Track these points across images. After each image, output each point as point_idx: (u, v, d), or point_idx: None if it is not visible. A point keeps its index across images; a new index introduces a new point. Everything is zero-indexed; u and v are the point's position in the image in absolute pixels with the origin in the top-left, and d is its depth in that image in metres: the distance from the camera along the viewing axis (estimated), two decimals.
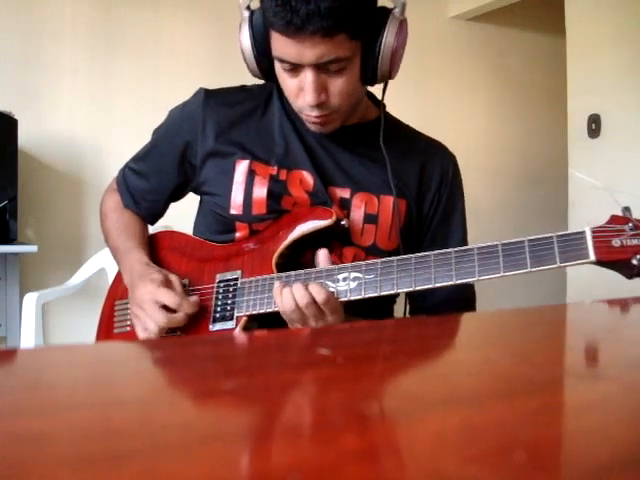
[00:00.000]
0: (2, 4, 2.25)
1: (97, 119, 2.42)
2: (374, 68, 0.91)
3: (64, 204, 2.37)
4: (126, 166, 1.14)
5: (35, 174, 2.28)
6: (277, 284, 0.88)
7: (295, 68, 0.88)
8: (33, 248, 2.00)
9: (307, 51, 0.84)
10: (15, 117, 2.04)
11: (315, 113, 0.92)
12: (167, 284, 0.95)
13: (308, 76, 0.87)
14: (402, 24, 0.91)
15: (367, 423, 0.25)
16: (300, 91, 0.90)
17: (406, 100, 2.54)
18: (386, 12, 0.91)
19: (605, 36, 2.34)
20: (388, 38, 0.89)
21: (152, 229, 1.16)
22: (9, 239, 1.99)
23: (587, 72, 2.41)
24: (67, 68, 2.37)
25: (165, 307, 0.93)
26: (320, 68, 0.87)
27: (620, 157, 2.29)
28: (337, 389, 0.30)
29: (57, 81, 2.35)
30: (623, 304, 0.63)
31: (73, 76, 2.38)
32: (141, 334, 0.95)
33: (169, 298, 0.92)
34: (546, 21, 3.27)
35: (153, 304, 0.92)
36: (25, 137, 2.13)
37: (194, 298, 0.95)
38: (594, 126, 2.37)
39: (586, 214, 2.32)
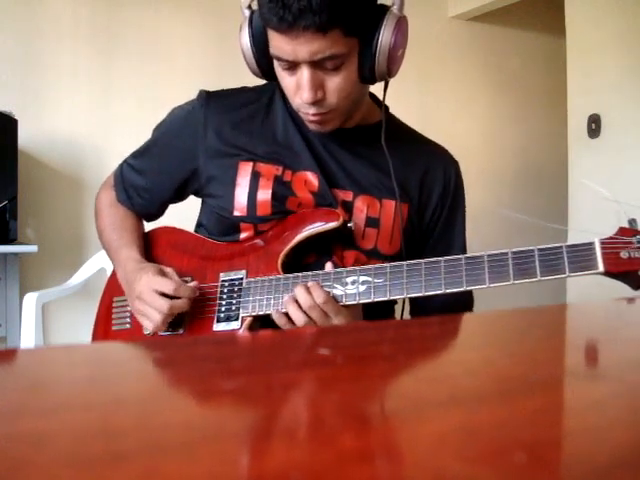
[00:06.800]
0: (2, 4, 2.25)
1: (97, 119, 2.42)
2: (371, 66, 0.89)
3: (64, 204, 2.37)
4: (124, 162, 1.13)
5: (35, 174, 2.27)
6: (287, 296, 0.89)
7: (292, 66, 0.88)
8: (33, 248, 2.00)
9: (301, 48, 0.83)
10: (15, 117, 2.04)
11: (312, 111, 0.90)
12: (161, 273, 0.95)
13: (304, 73, 0.86)
14: (400, 21, 0.89)
15: (367, 423, 0.25)
16: (298, 89, 0.89)
17: (405, 100, 2.54)
18: (384, 9, 0.89)
19: (605, 36, 2.34)
20: (385, 35, 0.87)
21: (153, 225, 1.16)
22: (9, 239, 1.99)
23: (587, 72, 2.41)
24: (67, 68, 2.37)
25: (165, 295, 0.92)
26: (316, 65, 0.86)
27: (620, 157, 2.29)
28: (337, 389, 0.30)
29: (57, 81, 2.35)
30: (623, 304, 0.63)
31: (73, 76, 2.38)
32: (149, 327, 0.94)
33: (165, 285, 0.92)
34: (546, 21, 3.27)
35: (152, 293, 0.92)
36: (25, 137, 2.13)
37: (193, 283, 0.95)
38: (594, 126, 2.37)
39: (586, 215, 2.31)
